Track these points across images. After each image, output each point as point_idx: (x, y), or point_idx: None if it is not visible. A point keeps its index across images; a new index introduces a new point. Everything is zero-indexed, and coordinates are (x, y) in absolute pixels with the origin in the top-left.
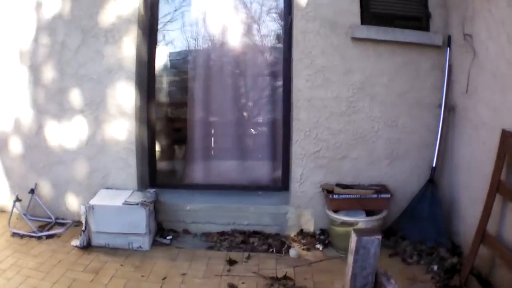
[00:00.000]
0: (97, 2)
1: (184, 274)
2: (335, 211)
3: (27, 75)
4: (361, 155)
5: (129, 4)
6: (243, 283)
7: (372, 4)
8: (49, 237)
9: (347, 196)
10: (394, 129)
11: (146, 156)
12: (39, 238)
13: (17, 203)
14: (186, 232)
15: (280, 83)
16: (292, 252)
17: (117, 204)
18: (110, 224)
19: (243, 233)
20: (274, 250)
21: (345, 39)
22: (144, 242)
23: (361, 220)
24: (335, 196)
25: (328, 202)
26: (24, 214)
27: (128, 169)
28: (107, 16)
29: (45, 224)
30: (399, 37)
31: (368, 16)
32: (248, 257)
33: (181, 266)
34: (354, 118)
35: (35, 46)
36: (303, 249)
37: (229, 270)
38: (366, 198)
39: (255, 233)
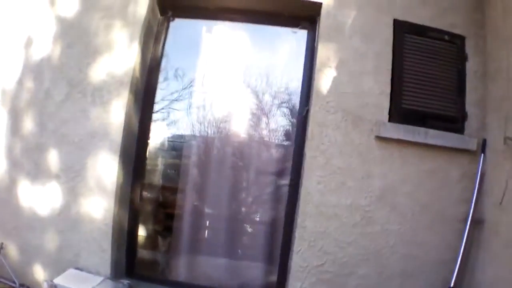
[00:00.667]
0: (89, 53)
1: None
2: None
3: (5, 119)
4: (370, 272)
5: (123, 62)
6: None
7: (404, 98)
8: None
9: None
10: (412, 244)
11: (125, 241)
12: None
13: None
14: None
15: (285, 182)
16: None
17: None
18: None
19: None
20: None
21: (368, 138)
22: None
23: None
24: None
25: None
26: None
27: (101, 253)
28: (98, 72)
29: None
30: (430, 140)
31: (397, 112)
32: None
33: None
34: (368, 230)
35: (18, 88)
36: None
37: None
38: None
39: None
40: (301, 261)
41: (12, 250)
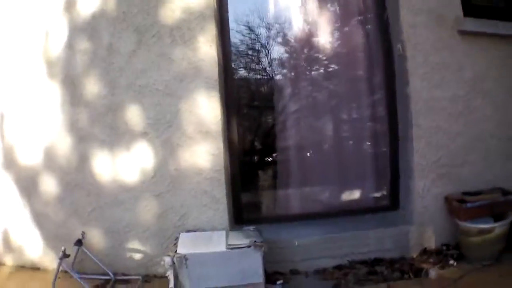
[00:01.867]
0: None
1: None
2: (466, 221)
3: (59, 91)
4: (478, 159)
5: None
6: None
7: None
8: None
9: (479, 203)
10: (506, 126)
11: (234, 187)
12: None
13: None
14: (295, 272)
15: (379, 87)
16: (432, 273)
17: (221, 250)
18: (214, 276)
19: (363, 263)
20: (412, 276)
21: (452, 33)
22: None
23: (497, 225)
24: (469, 205)
25: (461, 212)
26: (75, 272)
27: (215, 205)
28: (170, 11)
29: (104, 283)
30: (501, 30)
31: (469, 8)
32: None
33: None
34: (470, 118)
35: (69, 53)
36: (438, 267)
37: None
38: (495, 203)
39: (377, 261)
40: (422, 160)
41: (96, 237)
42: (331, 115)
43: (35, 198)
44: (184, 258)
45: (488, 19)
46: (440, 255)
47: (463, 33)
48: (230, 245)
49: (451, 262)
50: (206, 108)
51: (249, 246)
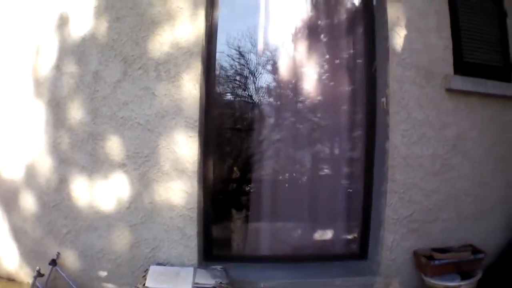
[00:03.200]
0: (145, 25)
1: None
2: (432, 277)
3: (44, 112)
4: (451, 216)
5: (191, 31)
6: None
7: (466, 53)
8: None
9: (447, 261)
10: (482, 186)
11: (206, 224)
12: None
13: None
14: None
15: (361, 139)
16: None
17: None
18: None
19: None
20: None
21: (439, 90)
22: None
23: (464, 284)
24: (436, 262)
25: (427, 268)
26: None
27: (186, 241)
28: (159, 45)
29: None
30: (490, 89)
31: (460, 66)
32: None
33: None
34: (447, 176)
35: (56, 75)
36: None
37: None
38: (463, 261)
39: None
40: (393, 214)
41: (71, 259)
42: (310, 156)
43: (14, 213)
44: None
45: (479, 78)
46: None
47: (451, 91)
48: (196, 283)
49: None
50: (184, 147)
51: (214, 287)
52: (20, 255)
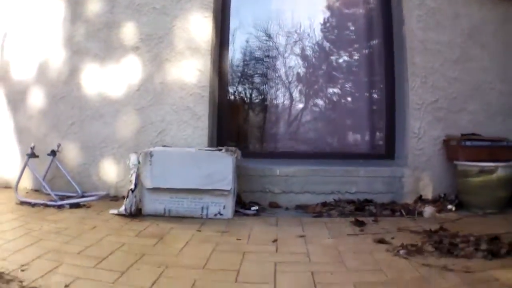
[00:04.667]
0: None
1: (302, 236)
2: (465, 161)
3: (62, 9)
4: (478, 108)
5: None
6: (392, 238)
7: None
8: (74, 206)
9: (479, 143)
10: (507, 83)
11: (217, 109)
12: (60, 207)
13: (31, 162)
14: (275, 205)
15: (375, 28)
16: (427, 212)
17: (190, 150)
18: (178, 177)
19: (351, 202)
20: (404, 213)
21: None
22: (227, 206)
23: (500, 166)
24: (468, 143)
25: (459, 151)
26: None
27: (195, 122)
28: None
29: (68, 197)
30: None
31: None
32: (376, 220)
33: (291, 231)
34: (467, 66)
35: None
36: (435, 211)
37: (362, 230)
38: (497, 147)
39: (366, 202)
40: (417, 99)
41: (72, 152)
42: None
43: (20, 112)
44: (150, 154)
45: None
46: (437, 202)
47: None
48: (201, 149)
49: (449, 207)
50: (199, 27)
51: (220, 150)
52: (21, 158)
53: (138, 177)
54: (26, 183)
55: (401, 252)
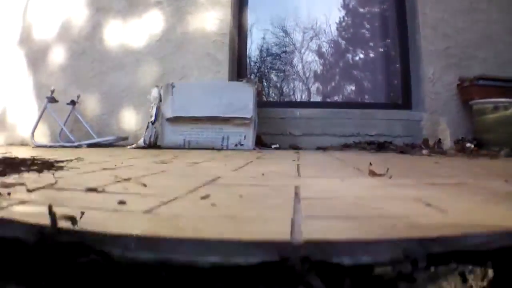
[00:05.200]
0: None
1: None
2: (480, 99)
3: None
4: (489, 56)
5: None
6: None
7: None
8: (91, 146)
9: (493, 82)
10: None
11: (236, 57)
12: (78, 147)
13: (51, 108)
14: (295, 147)
15: None
16: (447, 144)
17: (211, 82)
18: (198, 106)
19: (371, 143)
20: (423, 146)
21: None
22: (247, 136)
23: None
24: (481, 82)
25: (474, 90)
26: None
27: (216, 67)
28: None
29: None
30: None
31: None
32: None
33: (317, 154)
34: (475, 18)
35: None
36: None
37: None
38: (509, 87)
39: (387, 143)
40: (429, 45)
41: (92, 102)
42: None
43: (41, 70)
44: (171, 86)
45: None
46: (456, 144)
47: None
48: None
49: (468, 145)
50: None
51: (241, 80)
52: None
53: (158, 109)
54: (43, 140)
55: None
